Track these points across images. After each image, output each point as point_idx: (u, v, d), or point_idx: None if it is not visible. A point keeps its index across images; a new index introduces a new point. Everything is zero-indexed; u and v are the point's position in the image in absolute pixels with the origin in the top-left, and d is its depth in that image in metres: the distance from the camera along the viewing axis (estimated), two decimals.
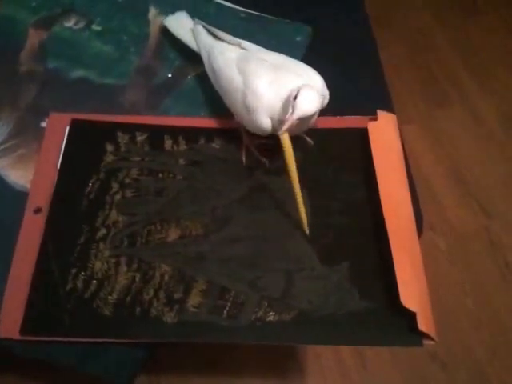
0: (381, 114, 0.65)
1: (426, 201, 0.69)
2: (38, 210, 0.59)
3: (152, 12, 0.77)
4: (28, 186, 0.62)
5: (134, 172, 0.62)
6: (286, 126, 0.53)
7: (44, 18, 0.75)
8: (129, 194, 0.61)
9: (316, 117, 0.57)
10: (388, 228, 0.56)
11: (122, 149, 0.64)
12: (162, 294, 0.55)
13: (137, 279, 0.56)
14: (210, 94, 0.67)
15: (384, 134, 0.64)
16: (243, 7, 0.78)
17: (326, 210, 0.61)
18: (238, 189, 0.62)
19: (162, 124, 0.66)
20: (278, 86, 0.56)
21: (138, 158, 0.63)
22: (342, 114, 0.67)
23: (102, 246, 0.57)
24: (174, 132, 0.65)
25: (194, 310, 0.54)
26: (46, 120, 0.66)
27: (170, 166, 0.63)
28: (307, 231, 0.58)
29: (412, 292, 0.53)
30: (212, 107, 0.68)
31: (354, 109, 0.66)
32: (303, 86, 0.53)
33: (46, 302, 0.54)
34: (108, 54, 0.73)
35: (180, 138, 0.65)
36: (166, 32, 0.74)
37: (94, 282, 0.55)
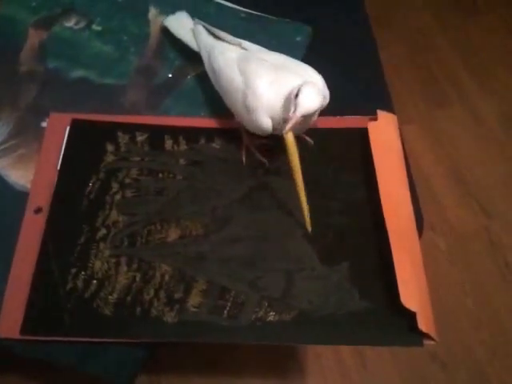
0: (381, 114, 0.65)
1: (425, 201, 0.69)
2: (38, 210, 0.60)
3: (152, 12, 0.77)
4: (28, 185, 0.62)
5: (134, 172, 0.62)
6: (290, 125, 0.53)
7: (44, 18, 0.75)
8: (129, 194, 0.61)
9: (316, 116, 0.57)
10: (388, 228, 0.56)
11: (122, 149, 0.64)
12: (162, 294, 0.55)
13: (137, 279, 0.56)
14: (210, 94, 0.67)
15: (384, 134, 0.64)
16: (243, 7, 0.78)
17: (326, 210, 0.61)
18: (238, 189, 0.62)
19: (162, 124, 0.66)
20: (278, 86, 0.56)
21: (138, 158, 0.63)
22: (342, 113, 0.67)
23: (102, 245, 0.57)
24: (175, 132, 0.65)
25: (194, 309, 0.54)
26: (46, 120, 0.66)
27: (170, 166, 0.63)
28: (310, 229, 0.58)
29: (412, 292, 0.53)
30: (212, 107, 0.68)
31: (354, 109, 0.66)
32: (304, 84, 0.53)
33: (46, 301, 0.54)
34: (108, 54, 0.73)
35: (180, 138, 0.65)
36: (166, 32, 0.74)
37: (95, 281, 0.55)
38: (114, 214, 0.59)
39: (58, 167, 0.62)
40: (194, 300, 0.55)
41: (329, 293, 0.56)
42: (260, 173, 0.63)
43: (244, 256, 0.58)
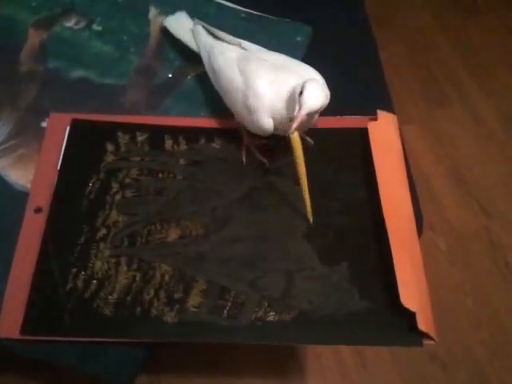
0: (381, 113, 0.65)
1: (425, 201, 0.69)
2: (38, 210, 0.60)
3: (152, 12, 0.77)
4: (28, 185, 0.62)
5: (134, 172, 0.62)
6: (295, 124, 0.53)
7: (44, 18, 0.75)
8: (129, 194, 0.61)
9: (317, 115, 0.57)
10: (388, 228, 0.56)
11: (122, 149, 0.64)
12: (162, 294, 0.55)
13: (137, 279, 0.56)
14: (210, 94, 0.67)
15: (384, 134, 0.64)
16: (243, 7, 0.78)
17: (326, 210, 0.61)
18: (238, 189, 0.62)
19: (162, 124, 0.66)
20: (278, 86, 0.56)
21: (138, 158, 0.63)
22: (342, 113, 0.67)
23: (102, 245, 0.57)
24: (175, 132, 0.65)
25: (194, 309, 0.54)
26: (47, 120, 0.66)
27: (170, 166, 0.63)
28: (311, 219, 0.58)
29: (412, 292, 0.53)
30: (212, 107, 0.68)
31: (354, 109, 0.66)
32: (307, 81, 0.53)
33: (46, 301, 0.54)
34: (108, 54, 0.73)
35: (180, 138, 0.65)
36: (166, 32, 0.74)
37: (95, 281, 0.55)
38: (114, 214, 0.59)
39: (58, 167, 0.62)
40: (194, 300, 0.55)
41: (329, 293, 0.56)
42: (260, 173, 0.63)
43: (244, 256, 0.58)
